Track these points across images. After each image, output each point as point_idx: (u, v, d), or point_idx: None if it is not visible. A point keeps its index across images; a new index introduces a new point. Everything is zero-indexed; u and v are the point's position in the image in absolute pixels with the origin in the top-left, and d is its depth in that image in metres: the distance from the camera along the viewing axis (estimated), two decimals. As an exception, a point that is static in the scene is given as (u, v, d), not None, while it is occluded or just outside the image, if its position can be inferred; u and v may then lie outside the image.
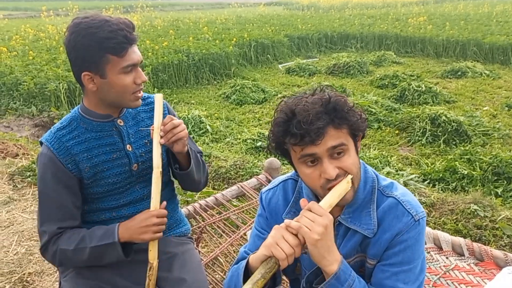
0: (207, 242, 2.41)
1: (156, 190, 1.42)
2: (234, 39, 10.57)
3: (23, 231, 3.00)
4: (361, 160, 1.21)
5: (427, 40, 11.52)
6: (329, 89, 1.15)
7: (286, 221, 1.07)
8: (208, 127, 5.86)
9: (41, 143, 1.46)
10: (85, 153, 1.45)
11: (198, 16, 19.06)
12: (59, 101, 6.56)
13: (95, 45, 1.31)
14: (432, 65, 10.26)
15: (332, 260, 1.06)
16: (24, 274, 2.54)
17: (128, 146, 1.50)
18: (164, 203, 1.46)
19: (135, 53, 1.38)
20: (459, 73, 8.71)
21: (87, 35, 1.31)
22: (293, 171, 1.29)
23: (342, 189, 1.09)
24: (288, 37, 12.20)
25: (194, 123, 5.82)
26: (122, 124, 1.51)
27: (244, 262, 1.15)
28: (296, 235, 1.05)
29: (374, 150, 5.00)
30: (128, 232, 1.41)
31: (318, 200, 1.19)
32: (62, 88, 6.60)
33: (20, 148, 4.56)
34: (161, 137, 1.44)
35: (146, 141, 1.55)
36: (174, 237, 1.68)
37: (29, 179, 3.74)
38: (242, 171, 4.14)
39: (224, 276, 2.25)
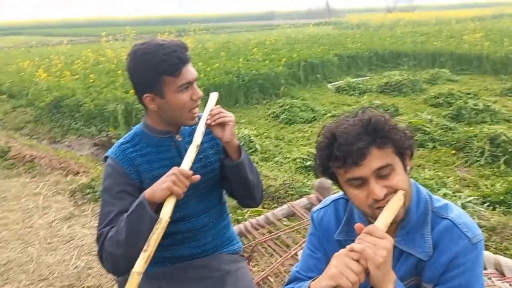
0: (258, 261, 2.42)
1: (190, 156, 1.45)
2: (284, 59, 10.69)
3: (82, 245, 3.15)
4: (413, 181, 1.19)
5: (484, 57, 11.08)
6: (371, 110, 1.15)
7: (348, 246, 1.04)
8: (257, 146, 5.92)
9: (106, 158, 1.57)
10: (146, 165, 1.54)
11: (248, 38, 19.46)
12: (117, 122, 6.89)
13: (152, 69, 1.41)
14: (490, 82, 9.84)
15: (388, 281, 1.03)
16: (83, 287, 2.65)
17: None
18: (198, 176, 1.45)
19: (190, 72, 1.47)
20: (520, 91, 8.30)
21: (144, 61, 1.41)
22: None
23: (395, 206, 1.07)
24: (337, 56, 12.16)
25: (244, 142, 5.91)
26: (180, 139, 1.59)
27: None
28: (357, 261, 1.02)
29: (429, 170, 4.84)
30: (152, 189, 1.41)
31: (369, 221, 1.18)
32: (120, 109, 6.94)
33: (80, 167, 4.82)
34: (208, 119, 1.50)
35: (202, 156, 1.60)
36: (227, 255, 1.71)
37: (89, 196, 3.94)
38: (292, 191, 4.14)
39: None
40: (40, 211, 3.75)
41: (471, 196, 3.95)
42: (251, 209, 3.55)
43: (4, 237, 3.32)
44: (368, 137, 1.08)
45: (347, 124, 1.11)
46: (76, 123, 7.15)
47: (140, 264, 1.26)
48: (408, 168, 1.15)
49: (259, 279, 2.05)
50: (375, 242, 1.01)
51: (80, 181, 4.30)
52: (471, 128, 5.87)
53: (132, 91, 7.27)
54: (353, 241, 1.23)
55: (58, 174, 4.59)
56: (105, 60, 12.57)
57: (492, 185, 4.33)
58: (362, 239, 1.03)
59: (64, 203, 3.87)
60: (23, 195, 4.11)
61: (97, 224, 1.52)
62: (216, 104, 1.61)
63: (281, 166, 5.36)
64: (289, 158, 5.53)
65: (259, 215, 2.50)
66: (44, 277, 2.79)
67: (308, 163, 5.20)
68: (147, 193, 1.41)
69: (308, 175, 4.90)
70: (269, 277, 2.32)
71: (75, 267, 2.88)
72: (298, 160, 5.36)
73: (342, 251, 1.05)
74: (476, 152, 5.14)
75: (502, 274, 1.76)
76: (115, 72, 10.03)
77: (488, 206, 3.86)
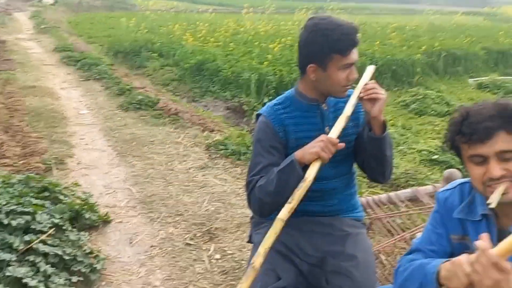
0: (373, 237, 2.52)
1: (339, 126, 1.61)
2: (423, 47, 10.16)
3: (213, 193, 3.55)
4: None
5: None
6: None
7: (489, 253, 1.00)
8: (382, 132, 5.85)
9: (258, 115, 1.81)
10: (293, 126, 1.74)
11: (387, 21, 18.71)
12: (249, 90, 7.32)
13: (326, 44, 1.58)
14: None
15: None
16: (211, 227, 3.03)
17: (326, 128, 1.73)
18: (343, 144, 1.60)
19: (355, 54, 1.62)
20: None
21: (322, 35, 1.58)
22: None
23: None
24: (485, 50, 11.17)
25: (369, 126, 5.88)
26: (325, 108, 1.76)
27: (433, 268, 1.20)
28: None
29: None
30: (302, 151, 1.59)
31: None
32: (254, 78, 7.35)
33: (216, 125, 5.31)
34: (361, 92, 1.64)
35: None
36: (349, 219, 1.86)
37: (221, 151, 4.36)
38: (413, 181, 4.09)
39: (384, 273, 2.35)
40: (180, 157, 4.28)
41: None
42: (368, 189, 3.63)
43: (150, 174, 3.88)
44: (500, 120, 1.14)
45: (483, 105, 1.19)
46: (214, 86, 7.75)
47: (285, 213, 1.50)
48: None
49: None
50: (486, 269, 1.00)
51: (215, 137, 4.75)
52: None
53: (266, 62, 7.62)
54: (472, 222, 1.29)
55: (196, 128, 5.12)
56: (243, 31, 13.22)
57: None
58: (478, 260, 1.02)
59: (200, 155, 4.35)
60: (167, 141, 4.70)
61: (248, 171, 1.78)
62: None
63: (405, 155, 5.25)
64: (414, 149, 5.39)
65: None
66: (180, 213, 3.23)
67: (435, 156, 5.03)
68: (297, 154, 1.61)
69: (433, 168, 4.75)
70: (380, 254, 2.42)
71: (206, 210, 3.28)
72: (423, 152, 5.20)
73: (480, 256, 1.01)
74: None
75: None
76: (252, 43, 10.53)
77: None
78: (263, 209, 1.71)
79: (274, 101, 1.83)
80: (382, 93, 1.62)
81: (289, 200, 1.53)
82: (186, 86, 8.26)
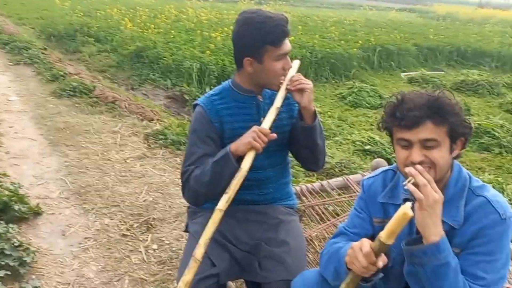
0: (307, 224, 2.64)
1: (270, 117, 1.68)
2: (360, 42, 10.56)
3: (152, 183, 3.51)
4: (457, 162, 1.36)
5: None
6: (445, 93, 1.31)
7: (362, 241, 1.26)
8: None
9: (196, 105, 1.83)
10: (229, 117, 1.78)
11: (327, 15, 19.19)
12: (191, 79, 7.26)
13: (259, 37, 1.63)
14: None
15: (435, 232, 1.21)
16: (149, 218, 3.01)
17: (262, 119, 1.77)
18: (275, 135, 1.66)
19: (287, 44, 1.69)
20: None
21: (255, 29, 1.63)
22: (394, 164, 1.50)
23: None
24: (416, 46, 11.81)
25: (308, 117, 6.05)
26: (261, 100, 1.82)
27: (345, 253, 1.34)
28: (369, 256, 1.21)
29: (489, 174, 4.77)
30: (236, 143, 1.65)
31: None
32: (195, 67, 7.29)
33: (155, 114, 5.22)
34: (288, 84, 1.70)
35: (276, 118, 1.81)
36: (283, 207, 1.93)
37: (161, 141, 4.31)
38: (347, 170, 4.27)
39: (317, 258, 2.46)
40: (117, 147, 4.17)
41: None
42: (305, 179, 3.76)
43: (85, 164, 3.76)
44: (428, 111, 1.26)
45: (418, 94, 1.31)
46: (154, 74, 7.59)
47: (223, 203, 1.56)
48: (456, 152, 1.32)
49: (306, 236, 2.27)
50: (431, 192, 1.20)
51: (154, 127, 4.68)
52: (544, 140, 5.65)
53: (208, 52, 7.56)
54: (394, 205, 1.43)
55: (135, 117, 5.01)
56: (186, 18, 13.01)
57: (553, 200, 4.22)
58: (425, 186, 1.21)
59: (138, 144, 4.28)
60: (103, 131, 4.56)
61: (182, 163, 1.80)
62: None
63: (340, 146, 5.47)
64: (349, 139, 5.62)
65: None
66: (116, 204, 3.18)
67: (368, 147, 5.28)
68: (232, 146, 1.66)
69: (366, 158, 4.99)
70: (314, 240, 2.53)
71: (144, 200, 3.24)
72: (357, 143, 5.44)
73: (356, 245, 1.26)
74: (544, 165, 4.98)
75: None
76: (194, 31, 10.41)
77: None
78: (197, 199, 1.75)
79: (211, 92, 1.86)
80: (307, 83, 1.70)
81: (227, 190, 1.58)
82: (125, 73, 8.03)
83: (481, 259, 1.26)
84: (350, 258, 1.26)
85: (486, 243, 1.26)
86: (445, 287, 1.22)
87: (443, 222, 1.31)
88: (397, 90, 8.41)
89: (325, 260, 1.45)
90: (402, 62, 11.02)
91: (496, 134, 5.81)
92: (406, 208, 1.16)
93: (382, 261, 1.23)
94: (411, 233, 1.36)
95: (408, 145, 1.29)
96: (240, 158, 1.64)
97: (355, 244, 1.26)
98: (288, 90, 1.72)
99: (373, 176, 1.55)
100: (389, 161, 3.70)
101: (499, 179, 4.59)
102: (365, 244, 1.24)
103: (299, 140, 1.82)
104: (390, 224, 1.19)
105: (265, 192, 1.90)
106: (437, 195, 1.21)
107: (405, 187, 1.25)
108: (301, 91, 1.70)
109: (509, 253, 1.29)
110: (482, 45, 12.86)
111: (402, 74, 10.32)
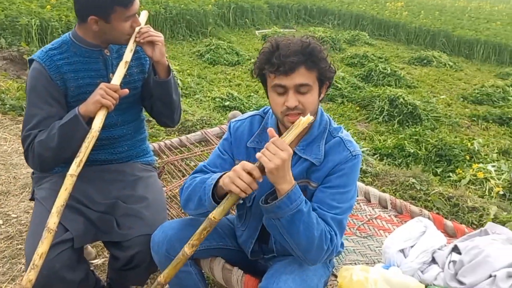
0: (169, 181, 2.63)
1: (119, 72, 1.61)
2: (214, -1, 10.52)
3: (-10, 154, 3.12)
4: (320, 107, 1.48)
5: (400, 26, 11.83)
6: (314, 38, 1.40)
7: (242, 162, 1.30)
8: (179, 82, 5.97)
9: (31, 60, 1.63)
10: (73, 74, 1.63)
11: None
12: (30, 37, 6.46)
13: None
14: (402, 50, 10.61)
15: (286, 183, 1.30)
16: (-10, 193, 2.69)
17: (111, 74, 1.68)
18: (126, 90, 1.61)
19: (137, 4, 1.61)
20: (425, 61, 9.10)
21: None
22: (262, 109, 1.57)
23: (301, 127, 1.30)
24: (268, 4, 12.21)
25: (166, 76, 5.92)
26: (108, 54, 1.70)
27: (212, 182, 1.39)
28: (250, 174, 1.27)
29: (335, 122, 5.30)
30: (85, 104, 1.55)
31: (279, 133, 1.44)
32: (34, 24, 6.49)
33: (-12, 78, 4.57)
34: (137, 37, 1.64)
35: (126, 73, 1.73)
36: (140, 164, 1.89)
37: (-3, 107, 3.82)
38: (208, 127, 4.34)
39: (180, 214, 2.49)
40: None
41: (365, 147, 4.46)
42: (166, 137, 3.72)
43: None
44: (302, 57, 1.33)
45: (291, 41, 1.36)
46: (-17, 33, 6.57)
47: (74, 168, 1.47)
48: (322, 96, 1.43)
49: (167, 192, 2.27)
50: (275, 151, 1.25)
51: (-12, 92, 4.11)
52: (376, 89, 6.44)
53: (49, 6, 6.75)
54: (259, 150, 1.50)
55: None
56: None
57: (384, 140, 4.90)
58: (267, 147, 1.27)
59: (-30, 112, 3.73)
60: None
61: (22, 126, 1.62)
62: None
63: (201, 103, 5.51)
64: (209, 97, 5.69)
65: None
66: None
67: (227, 103, 5.42)
68: (81, 107, 1.55)
69: (225, 114, 5.12)
70: (177, 197, 2.55)
71: (-19, 174, 2.88)
72: (217, 99, 5.54)
73: (237, 166, 1.31)
74: (377, 110, 5.70)
75: (368, 200, 2.16)
76: (31, -17, 9.19)
77: (377, 157, 4.41)
78: (44, 165, 1.62)
79: (48, 46, 1.67)
80: (158, 35, 1.65)
81: (78, 154, 1.48)
82: None
83: (336, 191, 1.41)
84: (231, 179, 1.28)
85: (340, 177, 1.41)
86: (300, 229, 1.33)
87: (306, 159, 1.44)
88: (252, 47, 8.69)
89: (188, 192, 1.48)
90: (256, 20, 11.33)
91: (339, 85, 6.42)
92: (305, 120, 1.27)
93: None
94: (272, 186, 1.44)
95: (284, 91, 1.35)
96: (90, 120, 1.54)
97: (235, 167, 1.30)
98: (138, 43, 1.65)
99: (240, 120, 1.60)
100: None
101: (342, 125, 5.13)
102: (247, 163, 1.29)
103: (154, 95, 1.77)
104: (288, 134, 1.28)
105: (119, 150, 1.82)
106: (277, 161, 1.23)
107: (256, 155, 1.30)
108: (152, 44, 1.64)
109: (357, 186, 1.47)
110: (325, 3, 13.85)
111: (256, 32, 10.64)
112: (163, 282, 1.41)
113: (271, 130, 1.30)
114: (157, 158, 2.44)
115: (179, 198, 2.53)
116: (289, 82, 1.32)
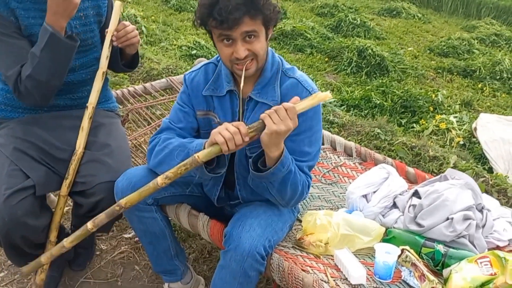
0: (133, 130, 2.57)
1: (97, 87, 1.65)
2: None
3: None
4: (271, 48, 1.46)
5: (372, -25, 11.63)
6: None
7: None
8: (143, 28, 5.74)
9: None
10: (22, 11, 1.53)
11: None
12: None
13: None
14: (372, 1, 10.51)
15: (278, 151, 1.29)
16: None
17: None
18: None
19: None
20: (394, 13, 9.07)
21: None
22: (214, 57, 1.53)
23: (316, 100, 1.29)
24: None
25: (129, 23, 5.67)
26: None
27: (198, 146, 1.35)
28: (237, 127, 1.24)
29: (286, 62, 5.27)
30: (51, 14, 1.46)
31: (234, 82, 1.42)
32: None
33: None
34: (114, 40, 1.62)
35: (81, 14, 1.63)
36: (102, 110, 1.83)
37: None
38: (174, 75, 4.23)
39: (144, 161, 2.46)
40: None
41: (332, 98, 4.48)
42: (130, 85, 3.61)
43: None
44: (244, 8, 1.27)
45: None
46: None
47: (64, 190, 1.62)
48: (270, 35, 1.40)
49: (131, 139, 2.22)
50: (284, 117, 1.24)
51: None
52: (346, 40, 6.40)
53: None
54: (217, 97, 1.47)
55: None
56: None
57: (352, 92, 4.93)
58: (276, 110, 1.24)
59: None
60: None
61: (0, 69, 1.54)
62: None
63: (166, 51, 5.34)
64: (175, 45, 5.52)
65: (138, 88, 2.60)
66: None
67: (194, 52, 5.27)
68: (48, 20, 1.45)
69: (192, 62, 4.99)
70: (142, 145, 2.50)
71: None
72: (184, 47, 5.38)
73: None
74: (345, 62, 5.69)
75: (334, 149, 2.19)
76: None
77: (344, 108, 4.45)
78: (44, 98, 1.59)
79: None
80: (134, 35, 1.65)
81: (66, 175, 1.60)
82: None
83: (304, 136, 1.42)
84: (218, 129, 1.26)
85: (305, 121, 1.41)
86: (288, 186, 1.36)
87: (264, 104, 1.42)
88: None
89: (164, 155, 1.43)
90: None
91: (308, 35, 6.33)
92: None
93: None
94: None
95: (231, 42, 1.32)
96: (64, 31, 1.52)
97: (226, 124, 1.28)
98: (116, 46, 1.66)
99: (194, 70, 1.55)
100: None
101: (311, 76, 5.12)
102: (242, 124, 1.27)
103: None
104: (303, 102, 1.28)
105: (79, 95, 1.76)
106: (281, 127, 1.23)
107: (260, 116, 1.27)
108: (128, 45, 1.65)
109: (321, 126, 1.48)
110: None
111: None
112: (124, 205, 1.37)
113: (296, 98, 1.28)
114: (120, 106, 2.37)
115: (144, 147, 2.51)
116: (235, 33, 1.30)
